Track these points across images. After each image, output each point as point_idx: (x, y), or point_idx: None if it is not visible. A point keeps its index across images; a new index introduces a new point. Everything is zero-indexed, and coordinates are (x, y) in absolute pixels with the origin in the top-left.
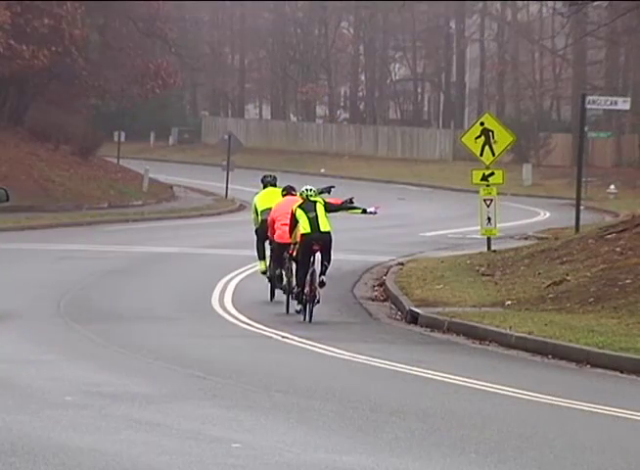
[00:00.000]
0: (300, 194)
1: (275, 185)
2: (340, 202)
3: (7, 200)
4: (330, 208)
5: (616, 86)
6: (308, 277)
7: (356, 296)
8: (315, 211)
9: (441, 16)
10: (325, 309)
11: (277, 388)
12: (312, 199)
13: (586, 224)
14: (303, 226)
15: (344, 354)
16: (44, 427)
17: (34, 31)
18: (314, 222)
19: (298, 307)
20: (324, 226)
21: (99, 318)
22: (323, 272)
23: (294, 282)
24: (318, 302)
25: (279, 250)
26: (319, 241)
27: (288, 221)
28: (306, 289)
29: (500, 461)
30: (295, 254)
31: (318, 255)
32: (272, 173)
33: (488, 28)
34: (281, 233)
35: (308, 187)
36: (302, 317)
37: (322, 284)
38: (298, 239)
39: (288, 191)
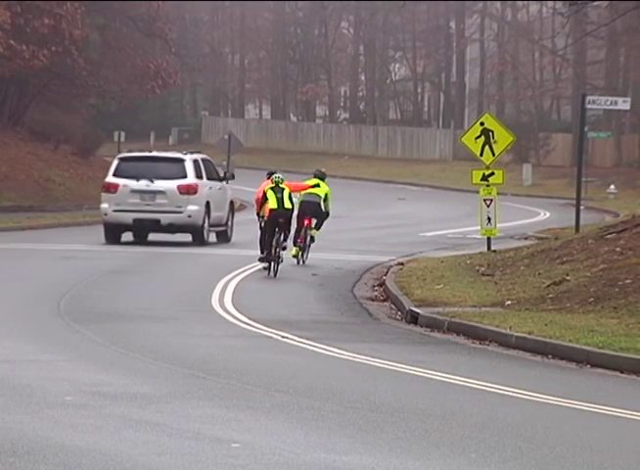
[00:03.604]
0: (273, 179)
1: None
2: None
3: (233, 178)
4: (291, 195)
5: (616, 86)
6: (274, 242)
7: (356, 296)
8: (282, 193)
9: (441, 16)
10: (325, 309)
11: (277, 388)
12: (281, 186)
13: (586, 224)
14: (272, 203)
15: (344, 354)
16: (44, 427)
17: (34, 31)
18: (280, 201)
19: (265, 265)
20: (287, 205)
21: (99, 318)
22: (285, 239)
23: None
24: (282, 261)
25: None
26: (283, 215)
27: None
28: (273, 251)
29: (500, 461)
30: (262, 224)
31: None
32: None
33: (488, 28)
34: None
35: (279, 175)
36: (268, 273)
37: (284, 248)
38: (267, 213)
39: (269, 176)
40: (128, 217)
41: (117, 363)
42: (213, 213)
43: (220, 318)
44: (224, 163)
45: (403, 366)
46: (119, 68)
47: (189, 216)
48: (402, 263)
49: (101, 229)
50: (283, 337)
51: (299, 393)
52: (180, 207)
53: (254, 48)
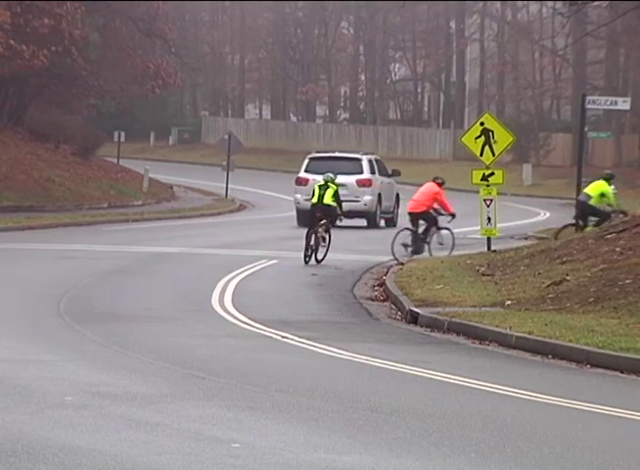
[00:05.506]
0: (324, 178)
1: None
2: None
3: (399, 175)
4: (337, 194)
5: (616, 86)
6: (312, 235)
7: (356, 296)
8: (326, 191)
9: (441, 16)
10: (325, 309)
11: (277, 388)
12: (329, 184)
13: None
14: (314, 198)
15: (344, 354)
16: (44, 427)
17: (34, 31)
18: (321, 197)
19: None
20: (327, 200)
21: (99, 318)
22: (325, 230)
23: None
24: (315, 252)
25: (411, 217)
26: (321, 210)
27: (416, 197)
28: (311, 241)
29: (500, 461)
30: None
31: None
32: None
33: (488, 28)
34: (409, 204)
35: (330, 175)
36: (305, 262)
37: (322, 239)
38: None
39: (434, 179)
40: None
41: (117, 363)
42: (384, 203)
43: (220, 318)
44: (224, 163)
45: (403, 366)
46: (119, 68)
47: (365, 205)
48: (402, 263)
49: (101, 229)
50: (283, 337)
51: (300, 393)
52: (358, 197)
53: (254, 48)
